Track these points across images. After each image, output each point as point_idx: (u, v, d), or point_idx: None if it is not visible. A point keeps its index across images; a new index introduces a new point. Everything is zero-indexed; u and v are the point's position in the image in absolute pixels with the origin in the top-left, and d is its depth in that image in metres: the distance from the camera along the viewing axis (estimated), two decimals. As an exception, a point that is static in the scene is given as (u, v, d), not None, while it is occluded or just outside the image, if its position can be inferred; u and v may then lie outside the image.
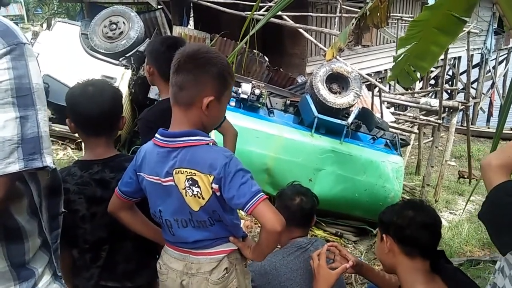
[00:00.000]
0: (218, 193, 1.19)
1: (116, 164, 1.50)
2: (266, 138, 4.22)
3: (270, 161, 4.18)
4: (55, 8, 14.61)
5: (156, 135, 1.26)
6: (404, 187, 4.95)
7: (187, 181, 1.20)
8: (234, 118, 4.07)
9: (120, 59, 5.52)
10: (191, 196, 1.21)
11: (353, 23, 2.17)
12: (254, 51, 6.07)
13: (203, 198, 1.20)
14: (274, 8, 2.27)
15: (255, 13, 5.93)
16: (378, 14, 1.99)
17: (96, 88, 1.48)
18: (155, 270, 1.42)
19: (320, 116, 4.27)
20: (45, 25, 6.66)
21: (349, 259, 1.66)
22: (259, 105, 4.49)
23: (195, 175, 1.19)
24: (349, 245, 4.46)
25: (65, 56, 5.32)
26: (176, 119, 1.25)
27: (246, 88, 4.38)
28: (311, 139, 4.33)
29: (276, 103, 4.75)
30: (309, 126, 4.40)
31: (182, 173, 1.20)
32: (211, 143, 1.24)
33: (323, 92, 4.45)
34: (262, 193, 1.19)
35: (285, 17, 6.12)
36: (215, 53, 1.25)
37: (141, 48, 5.60)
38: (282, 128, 4.37)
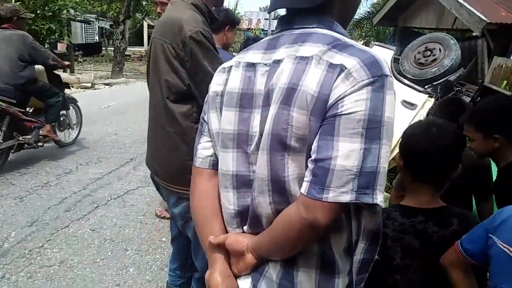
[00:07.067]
0: None
1: (443, 218, 1.35)
2: None
3: None
4: (366, 31, 15.69)
5: None
6: None
7: None
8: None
9: (426, 86, 5.33)
10: None
11: None
12: None
13: None
14: None
15: None
16: None
17: (442, 131, 1.37)
18: None
19: None
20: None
21: None
22: None
23: None
24: None
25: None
26: None
27: None
28: None
29: None
30: None
31: None
32: None
33: None
34: None
35: None
36: None
37: (452, 77, 5.25)
38: None
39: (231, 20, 3.02)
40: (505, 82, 5.37)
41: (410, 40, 6.06)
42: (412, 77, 5.42)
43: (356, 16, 13.99)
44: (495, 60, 5.64)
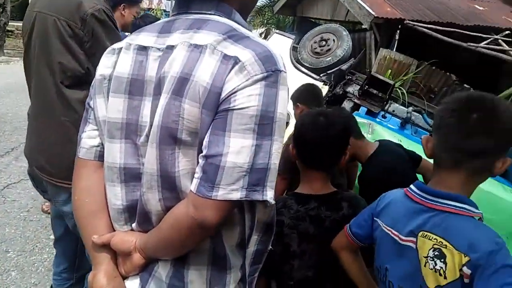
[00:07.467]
0: (466, 280, 0.96)
1: (334, 203, 1.41)
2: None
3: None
4: (267, 19, 16.02)
5: (412, 186, 1.12)
6: None
7: (432, 251, 1.01)
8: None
9: (321, 75, 5.62)
10: (431, 269, 1.00)
11: None
12: (466, 85, 5.44)
13: (444, 278, 0.98)
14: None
15: (474, 45, 5.31)
16: None
17: (328, 120, 1.42)
18: None
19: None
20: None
21: None
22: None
23: (446, 247, 0.99)
24: None
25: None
26: (442, 176, 1.07)
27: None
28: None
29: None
30: (517, 180, 3.64)
31: (429, 239, 1.02)
32: (478, 218, 1.02)
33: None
34: None
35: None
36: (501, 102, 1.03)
37: (344, 66, 5.60)
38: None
39: (127, -3, 2.78)
40: (389, 71, 5.91)
41: (307, 30, 6.31)
42: (309, 66, 5.65)
43: (258, 3, 14.18)
44: (381, 51, 6.15)
